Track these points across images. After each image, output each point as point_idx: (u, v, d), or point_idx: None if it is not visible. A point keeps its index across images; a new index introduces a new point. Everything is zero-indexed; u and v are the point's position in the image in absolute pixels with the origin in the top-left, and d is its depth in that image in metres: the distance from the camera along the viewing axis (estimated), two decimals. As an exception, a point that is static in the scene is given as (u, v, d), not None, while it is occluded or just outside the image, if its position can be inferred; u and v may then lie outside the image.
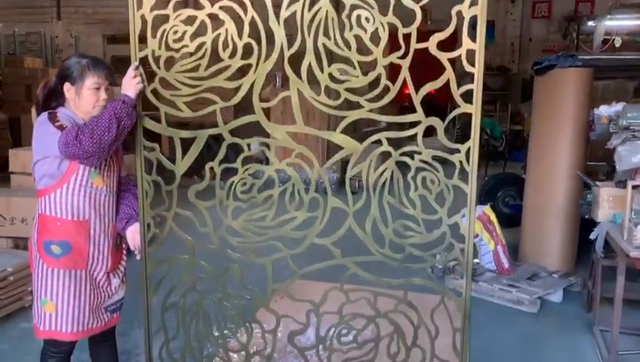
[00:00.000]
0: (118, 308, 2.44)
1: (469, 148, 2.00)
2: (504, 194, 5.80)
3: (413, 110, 2.04)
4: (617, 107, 3.34)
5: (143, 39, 2.14)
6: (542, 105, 4.49)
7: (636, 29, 8.32)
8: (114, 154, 2.33)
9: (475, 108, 1.97)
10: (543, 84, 4.48)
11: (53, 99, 2.25)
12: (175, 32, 2.12)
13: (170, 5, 2.11)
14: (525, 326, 3.70)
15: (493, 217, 4.47)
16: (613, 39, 8.80)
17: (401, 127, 3.48)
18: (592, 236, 3.22)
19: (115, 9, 12.84)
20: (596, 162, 4.97)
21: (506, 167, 9.46)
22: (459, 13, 1.93)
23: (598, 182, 3.30)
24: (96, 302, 2.31)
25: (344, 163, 8.07)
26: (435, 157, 2.06)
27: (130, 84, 2.13)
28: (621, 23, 7.83)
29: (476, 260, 4.49)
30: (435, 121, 2.05)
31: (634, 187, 2.81)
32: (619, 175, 3.17)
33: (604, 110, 3.40)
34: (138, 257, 2.29)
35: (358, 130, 6.22)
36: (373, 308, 2.21)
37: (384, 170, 2.10)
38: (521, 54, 12.61)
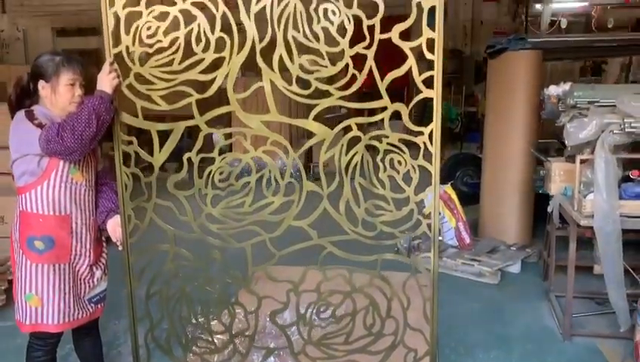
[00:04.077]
0: (102, 299, 2.51)
1: (432, 131, 2.16)
2: (462, 173, 6.05)
3: (372, 97, 2.17)
4: (565, 87, 3.56)
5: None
6: (495, 87, 4.72)
7: (579, 10, 8.71)
8: (92, 150, 2.38)
9: (435, 93, 2.12)
10: (495, 67, 4.71)
11: (26, 98, 2.28)
12: (148, 28, 2.18)
13: (143, 2, 2.16)
14: (487, 296, 3.93)
15: (453, 195, 4.69)
16: (559, 21, 9.21)
17: (362, 111, 3.63)
18: (548, 209, 3.46)
19: (64, 0, 12.47)
20: (547, 140, 5.25)
21: (462, 148, 9.79)
22: (418, 5, 2.07)
23: (549, 158, 3.53)
24: (80, 293, 2.37)
25: (307, 151, 8.11)
26: (400, 140, 2.21)
27: (106, 80, 2.18)
28: (566, 5, 8.24)
29: (439, 237, 4.71)
30: (400, 106, 2.19)
31: (582, 161, 3.04)
32: (568, 150, 3.40)
33: (553, 90, 3.62)
34: (120, 248, 2.36)
35: (320, 116, 6.35)
36: (349, 284, 2.35)
37: (355, 154, 2.23)
38: (474, 37, 12.94)
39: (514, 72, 4.52)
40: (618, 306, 2.97)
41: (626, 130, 2.68)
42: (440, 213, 4.69)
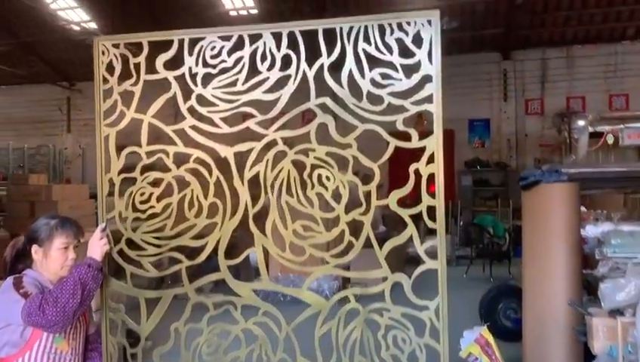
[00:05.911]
0: None
1: (438, 305, 1.95)
2: (505, 306, 5.61)
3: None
4: (604, 227, 3.29)
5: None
6: (531, 221, 4.44)
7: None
8: (81, 315, 2.28)
9: (440, 265, 1.94)
10: (530, 199, 4.46)
11: (21, 261, 2.24)
12: (142, 194, 2.15)
13: (138, 168, 2.15)
14: None
15: (491, 339, 4.25)
16: (606, 136, 8.92)
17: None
18: (595, 373, 3.06)
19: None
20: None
21: (510, 266, 9.29)
22: (416, 171, 1.95)
23: (590, 310, 3.16)
24: None
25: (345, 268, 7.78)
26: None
27: (97, 246, 2.12)
28: (602, 128, 8.04)
29: (478, 384, 4.28)
30: (402, 277, 2.01)
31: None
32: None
33: (590, 231, 3.35)
34: (101, 425, 2.18)
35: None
36: None
37: (353, 329, 2.03)
38: (519, 150, 12.81)
39: (550, 205, 4.24)
40: None
41: (668, 297, 2.37)
42: (477, 359, 4.28)
